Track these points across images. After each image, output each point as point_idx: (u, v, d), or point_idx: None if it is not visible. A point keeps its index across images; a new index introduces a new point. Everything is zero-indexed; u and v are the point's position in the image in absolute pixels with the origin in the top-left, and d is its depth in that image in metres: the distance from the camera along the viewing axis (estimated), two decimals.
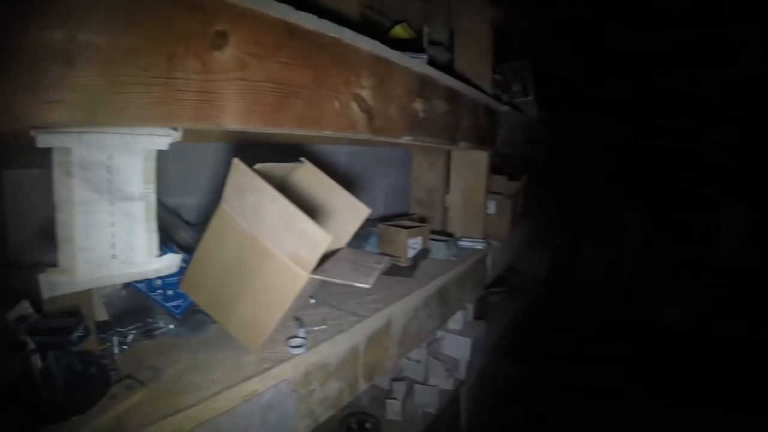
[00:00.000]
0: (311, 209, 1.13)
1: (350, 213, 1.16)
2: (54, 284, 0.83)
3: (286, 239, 0.94)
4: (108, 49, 0.61)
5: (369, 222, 1.84)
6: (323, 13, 0.93)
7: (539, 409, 3.41)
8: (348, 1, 1.64)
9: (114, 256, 0.89)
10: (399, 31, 1.93)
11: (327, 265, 1.03)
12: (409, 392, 2.20)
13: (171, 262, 0.96)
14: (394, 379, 2.20)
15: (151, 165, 0.89)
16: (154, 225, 0.92)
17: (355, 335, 1.18)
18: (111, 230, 0.88)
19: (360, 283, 0.97)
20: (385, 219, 1.88)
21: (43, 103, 0.57)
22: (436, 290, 1.57)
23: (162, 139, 0.87)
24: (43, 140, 0.74)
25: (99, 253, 0.87)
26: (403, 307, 1.37)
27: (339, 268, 1.03)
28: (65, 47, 0.57)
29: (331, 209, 1.16)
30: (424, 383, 2.26)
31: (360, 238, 1.72)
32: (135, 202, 0.89)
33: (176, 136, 0.88)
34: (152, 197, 0.90)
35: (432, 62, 1.95)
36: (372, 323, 1.24)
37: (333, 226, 1.15)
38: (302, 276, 0.94)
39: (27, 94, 0.56)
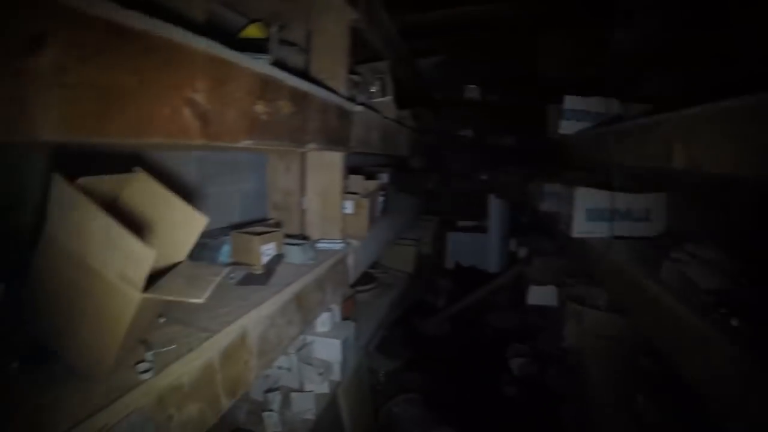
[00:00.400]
0: (144, 223, 1.06)
1: (187, 224, 1.09)
2: None
3: (114, 258, 0.86)
4: None
5: (223, 230, 1.77)
6: (165, 13, 0.86)
7: (420, 399, 3.50)
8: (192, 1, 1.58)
9: None
10: (252, 30, 1.87)
11: (162, 281, 0.97)
12: (286, 401, 2.16)
13: None
14: (268, 391, 2.15)
15: None
16: None
17: (207, 351, 1.12)
18: None
19: (192, 298, 0.91)
20: (241, 226, 1.82)
21: None
22: (293, 295, 1.53)
23: None
24: None
25: None
26: (257, 317, 1.32)
27: (174, 284, 0.97)
28: None
29: (168, 221, 1.09)
30: (300, 390, 2.23)
31: (212, 248, 1.65)
32: None
33: None
34: None
35: (281, 63, 1.92)
36: (224, 337, 1.18)
37: (169, 239, 1.08)
38: (134, 296, 0.87)
39: None
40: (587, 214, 2.66)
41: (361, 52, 2.83)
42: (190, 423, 1.04)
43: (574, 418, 3.06)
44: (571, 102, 3.19)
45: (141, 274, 0.86)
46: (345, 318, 2.63)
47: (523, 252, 5.11)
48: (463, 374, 4.23)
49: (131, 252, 0.84)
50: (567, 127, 3.22)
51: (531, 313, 4.51)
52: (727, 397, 1.25)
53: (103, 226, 0.85)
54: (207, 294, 0.94)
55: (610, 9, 2.42)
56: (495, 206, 6.80)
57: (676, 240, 2.11)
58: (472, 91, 6.82)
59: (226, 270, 1.10)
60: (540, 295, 3.73)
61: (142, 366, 0.96)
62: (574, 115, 3.20)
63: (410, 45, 4.34)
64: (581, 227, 2.67)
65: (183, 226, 1.10)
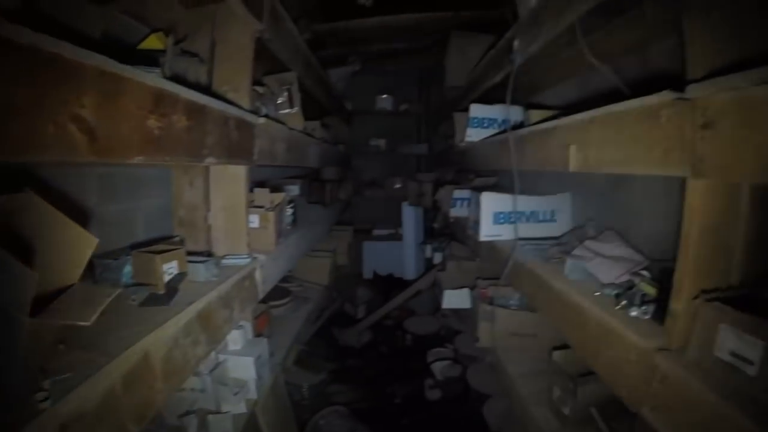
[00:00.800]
0: (31, 246, 1.01)
1: (78, 245, 1.05)
2: None
3: None
4: None
5: (125, 250, 1.71)
6: (59, 29, 0.82)
7: (346, 410, 3.50)
8: (89, 14, 1.53)
9: None
10: (152, 41, 1.80)
11: (54, 304, 0.92)
12: (203, 424, 2.11)
13: None
14: (184, 414, 2.08)
15: None
16: None
17: (108, 376, 1.07)
18: None
19: (79, 320, 0.88)
20: (145, 244, 1.76)
21: None
22: (197, 314, 1.49)
23: None
24: None
25: None
26: (160, 338, 1.27)
27: (65, 307, 0.93)
28: None
29: (57, 243, 1.04)
30: (216, 412, 2.18)
31: (114, 269, 1.58)
32: None
33: None
34: None
35: (180, 75, 1.88)
36: (125, 361, 1.13)
37: (59, 262, 1.03)
38: (23, 321, 0.83)
39: None
40: (493, 217, 2.74)
41: (269, 63, 2.81)
42: None
43: (497, 416, 3.14)
44: (476, 110, 3.27)
45: (25, 299, 0.81)
46: (258, 334, 2.58)
47: (438, 258, 5.21)
48: (388, 382, 4.26)
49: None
50: (473, 135, 3.31)
51: (450, 317, 4.61)
52: (632, 387, 1.33)
53: None
54: (95, 316, 0.91)
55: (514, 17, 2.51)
56: (409, 214, 6.90)
57: (580, 239, 2.22)
58: (385, 101, 6.92)
59: (118, 291, 1.06)
60: (454, 298, 3.81)
61: (41, 395, 0.91)
62: (480, 123, 3.29)
63: (321, 55, 4.36)
64: (488, 231, 2.75)
65: (73, 247, 1.05)
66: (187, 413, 2.10)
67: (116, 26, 1.74)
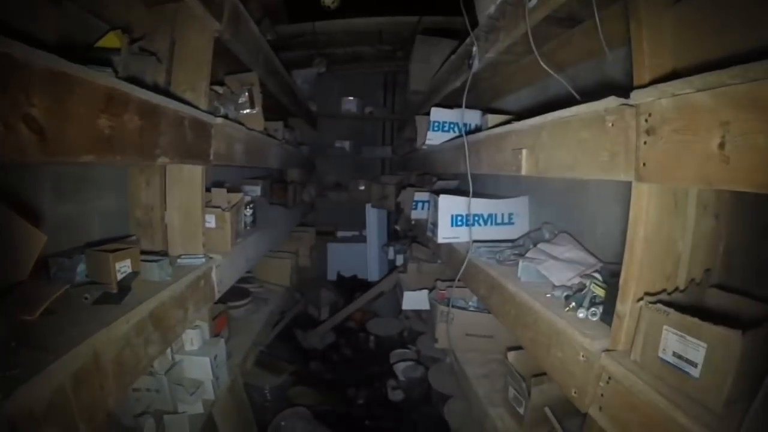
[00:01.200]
0: None
1: (26, 243, 1.06)
2: None
3: None
4: None
5: (80, 249, 1.70)
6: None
7: (308, 412, 3.51)
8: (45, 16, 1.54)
9: None
10: (110, 39, 1.80)
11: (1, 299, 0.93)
12: (159, 425, 2.10)
13: None
14: (140, 415, 2.07)
15: None
16: None
17: (56, 375, 1.07)
18: None
19: (25, 315, 0.89)
20: (101, 243, 1.75)
21: None
22: (149, 313, 1.49)
23: None
24: None
25: None
26: (110, 337, 1.27)
27: (11, 302, 0.94)
28: None
29: (5, 241, 1.05)
30: (173, 412, 2.18)
31: (67, 268, 1.58)
32: None
33: None
34: None
35: (136, 74, 1.87)
36: (73, 359, 1.13)
37: (7, 259, 1.04)
38: None
39: None
40: (451, 219, 2.79)
41: (232, 63, 2.81)
42: None
43: (457, 416, 3.18)
44: (437, 114, 3.33)
45: None
46: (216, 335, 2.59)
47: (400, 260, 5.26)
48: (350, 384, 4.28)
49: None
50: (434, 138, 3.36)
51: (412, 318, 4.65)
52: (580, 387, 1.37)
53: None
54: (38, 311, 0.91)
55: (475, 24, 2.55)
56: (372, 216, 6.94)
57: (535, 241, 2.28)
58: (350, 103, 6.94)
59: (66, 287, 1.07)
60: (413, 299, 3.85)
61: None
62: (441, 126, 3.34)
63: (286, 57, 4.36)
64: (446, 233, 2.80)
65: (22, 244, 1.06)
66: (143, 414, 2.09)
67: (74, 24, 1.74)
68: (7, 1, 1.44)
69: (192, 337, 2.34)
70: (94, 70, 1.20)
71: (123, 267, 1.59)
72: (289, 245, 4.98)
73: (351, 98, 6.93)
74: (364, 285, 6.42)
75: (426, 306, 3.74)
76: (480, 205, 2.77)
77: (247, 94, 2.88)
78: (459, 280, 2.57)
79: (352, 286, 6.49)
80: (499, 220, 2.85)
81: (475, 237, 2.66)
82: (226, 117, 2.29)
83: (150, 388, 2.15)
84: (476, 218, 2.78)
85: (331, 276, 7.00)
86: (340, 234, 7.22)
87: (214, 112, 2.22)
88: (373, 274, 6.92)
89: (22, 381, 0.98)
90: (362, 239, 7.08)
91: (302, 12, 4.58)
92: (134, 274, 1.63)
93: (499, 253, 2.35)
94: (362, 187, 6.82)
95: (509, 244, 2.46)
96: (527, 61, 2.38)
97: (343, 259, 7.05)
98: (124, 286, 1.55)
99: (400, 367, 4.28)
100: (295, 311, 5.10)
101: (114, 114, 1.26)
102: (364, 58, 6.02)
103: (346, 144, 7.16)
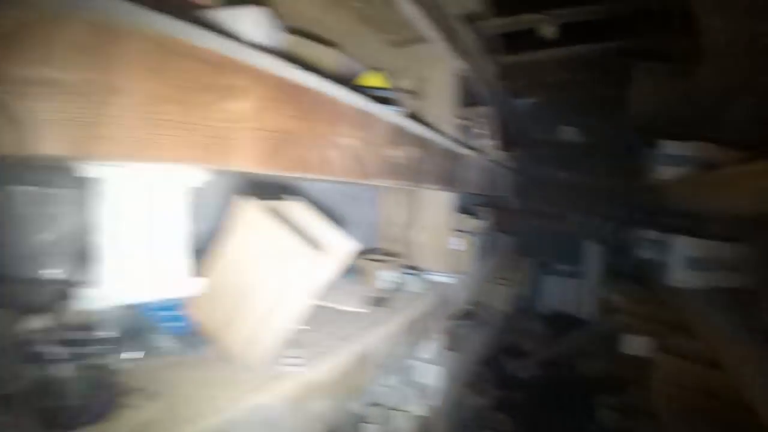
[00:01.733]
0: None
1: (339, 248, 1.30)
2: (86, 299, 0.99)
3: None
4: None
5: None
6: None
7: None
8: (329, 54, 1.86)
9: (146, 277, 1.06)
10: (373, 79, 1.99)
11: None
12: (384, 417, 2.27)
13: (200, 284, 1.16)
14: (368, 405, 2.27)
15: (187, 198, 1.12)
16: (186, 250, 1.11)
17: (345, 357, 1.32)
18: (145, 253, 1.04)
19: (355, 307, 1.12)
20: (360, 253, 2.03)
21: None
22: (408, 319, 1.73)
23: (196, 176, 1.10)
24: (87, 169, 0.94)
25: (131, 273, 1.04)
26: (382, 333, 1.52)
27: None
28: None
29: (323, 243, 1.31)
30: (398, 409, 2.35)
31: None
32: (168, 228, 1.09)
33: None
34: (186, 225, 1.10)
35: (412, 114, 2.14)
36: (358, 347, 1.38)
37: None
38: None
39: None
40: (685, 262, 2.67)
41: (467, 96, 3.03)
42: (322, 417, 1.23)
43: None
44: (666, 147, 3.23)
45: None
46: (445, 348, 2.76)
47: (617, 299, 5.05)
48: (549, 420, 4.24)
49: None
50: (663, 172, 3.25)
51: (622, 362, 4.44)
52: None
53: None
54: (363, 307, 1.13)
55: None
56: (591, 252, 6.71)
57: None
58: (567, 132, 6.82)
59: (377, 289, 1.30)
60: (634, 344, 3.69)
61: (294, 360, 1.18)
62: (671, 160, 3.21)
63: (506, 87, 4.50)
64: (678, 276, 2.69)
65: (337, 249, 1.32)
66: (373, 404, 2.30)
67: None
68: None
69: (427, 346, 2.52)
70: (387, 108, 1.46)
71: (389, 276, 1.84)
72: (506, 272, 5.05)
73: (568, 126, 6.81)
74: (575, 321, 6.24)
75: (645, 352, 3.57)
76: (713, 249, 2.64)
77: (483, 125, 3.06)
78: (687, 327, 2.44)
79: (562, 321, 6.33)
80: (728, 266, 2.68)
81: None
82: (468, 147, 2.49)
83: (384, 384, 2.36)
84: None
85: (541, 307, 6.90)
86: (556, 267, 7.05)
87: (460, 143, 2.43)
88: (586, 311, 6.66)
89: (320, 359, 1.25)
90: (577, 274, 6.87)
91: (518, 43, 4.65)
92: (397, 283, 1.88)
93: (732, 302, 2.22)
94: (579, 219, 6.63)
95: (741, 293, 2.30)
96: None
97: (556, 292, 6.91)
98: (390, 293, 1.80)
99: (604, 413, 4.14)
100: (506, 338, 5.14)
101: (397, 144, 1.51)
102: (579, 84, 5.91)
103: (563, 173, 7.02)
